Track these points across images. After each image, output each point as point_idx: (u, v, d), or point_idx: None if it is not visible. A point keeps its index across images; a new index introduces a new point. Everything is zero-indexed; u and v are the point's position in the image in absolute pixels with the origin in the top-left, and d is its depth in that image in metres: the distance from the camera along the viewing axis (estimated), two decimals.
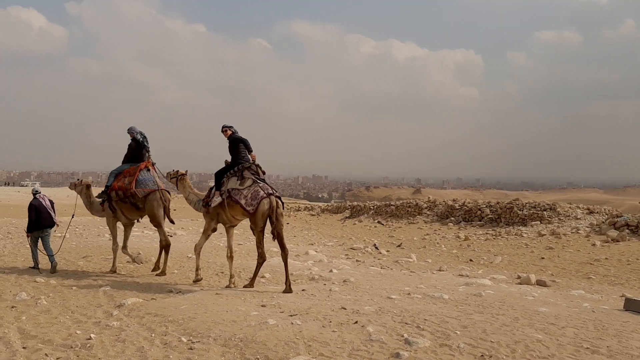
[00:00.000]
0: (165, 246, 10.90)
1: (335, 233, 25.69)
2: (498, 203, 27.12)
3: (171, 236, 17.55)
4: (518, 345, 5.63)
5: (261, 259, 9.55)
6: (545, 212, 23.99)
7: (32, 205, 10.93)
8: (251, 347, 5.66)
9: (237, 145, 9.87)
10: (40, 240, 11.10)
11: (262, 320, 6.57)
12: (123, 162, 11.20)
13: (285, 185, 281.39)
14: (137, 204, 10.79)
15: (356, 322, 6.52)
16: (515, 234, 20.74)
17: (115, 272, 10.97)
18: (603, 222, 20.16)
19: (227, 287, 9.71)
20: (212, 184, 10.26)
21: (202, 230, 10.48)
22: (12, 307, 7.69)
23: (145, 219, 11.52)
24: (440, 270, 13.54)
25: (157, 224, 10.90)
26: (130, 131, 11.16)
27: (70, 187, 12.22)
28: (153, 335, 6.26)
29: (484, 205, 27.12)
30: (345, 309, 7.30)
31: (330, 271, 11.71)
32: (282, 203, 9.68)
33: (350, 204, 40.21)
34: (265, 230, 9.42)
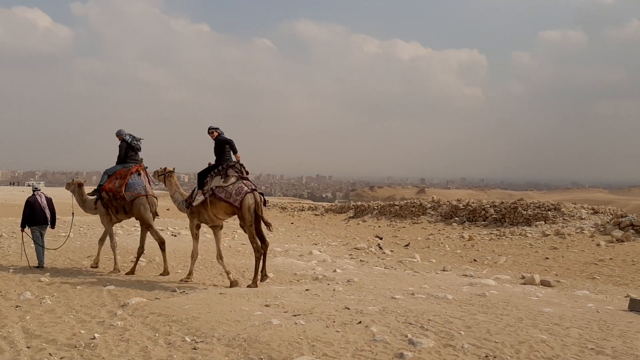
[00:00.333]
0: (160, 244, 11.04)
1: (339, 233, 25.69)
2: (502, 203, 27.07)
3: (175, 236, 17.58)
4: (522, 346, 5.61)
5: (258, 252, 9.65)
6: (549, 212, 23.93)
7: (27, 201, 11.24)
8: (255, 347, 5.65)
9: (223, 146, 10.05)
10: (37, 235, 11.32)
11: (266, 320, 6.56)
12: (117, 163, 11.41)
13: (289, 185, 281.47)
14: (125, 207, 10.99)
15: (360, 322, 6.51)
16: (519, 234, 20.70)
17: (118, 271, 11.05)
18: (608, 222, 20.09)
19: (231, 285, 9.76)
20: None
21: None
22: (17, 306, 7.71)
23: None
24: (444, 270, 13.52)
25: (147, 225, 11.07)
26: (119, 133, 11.43)
27: (66, 187, 12.43)
28: (157, 335, 6.27)
29: (488, 205, 27.08)
30: (349, 309, 7.29)
31: (334, 271, 11.71)
32: (265, 200, 9.96)
33: (354, 203, 40.20)
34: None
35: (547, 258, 15.86)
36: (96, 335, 6.23)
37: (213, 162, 10.16)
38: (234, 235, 21.16)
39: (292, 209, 45.74)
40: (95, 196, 11.43)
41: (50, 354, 5.63)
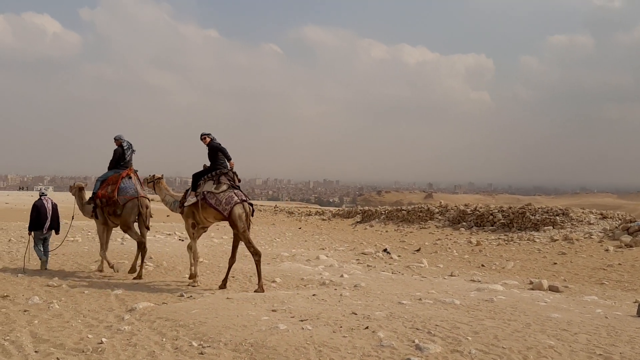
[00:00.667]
0: (139, 244, 11.16)
1: (346, 238, 25.67)
2: (510, 208, 27.00)
3: (182, 240, 17.61)
4: (530, 352, 5.58)
5: (257, 255, 9.84)
6: (557, 217, 23.85)
7: (34, 205, 11.51)
8: (262, 352, 5.65)
9: (216, 152, 10.24)
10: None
11: (273, 325, 6.56)
12: (109, 168, 11.67)
13: (297, 190, 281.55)
14: (117, 211, 11.16)
15: (367, 327, 6.50)
16: (527, 239, 20.63)
17: (102, 271, 11.43)
18: (616, 228, 20.00)
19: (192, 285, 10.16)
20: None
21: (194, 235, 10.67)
22: (25, 310, 7.74)
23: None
24: (451, 276, 13.48)
25: (125, 229, 11.25)
26: (118, 138, 11.68)
27: (69, 191, 12.66)
28: (164, 339, 6.28)
29: (496, 210, 27.01)
30: (356, 314, 7.28)
31: (341, 276, 11.69)
32: (253, 210, 10.21)
33: (361, 208, 40.20)
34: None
35: (555, 263, 15.79)
36: (104, 339, 6.24)
37: (208, 165, 10.36)
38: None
39: (299, 213, 45.74)
40: (92, 204, 11.58)
41: (58, 359, 5.65)
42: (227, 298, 8.64)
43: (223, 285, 10.00)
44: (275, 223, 38.43)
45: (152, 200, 11.77)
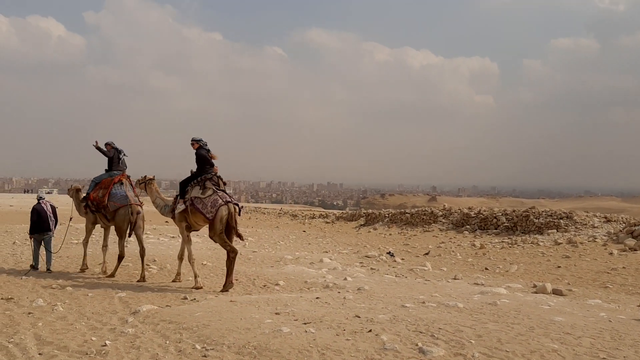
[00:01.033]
0: (119, 256, 11.43)
1: (350, 241, 25.67)
2: (514, 211, 26.97)
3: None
4: (533, 355, 5.58)
5: (233, 252, 10.06)
6: (561, 221, 23.81)
7: (34, 209, 11.81)
8: (265, 354, 5.66)
9: (203, 159, 10.57)
10: (42, 242, 11.89)
11: (276, 328, 6.57)
12: (106, 170, 12.07)
13: (300, 193, 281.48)
14: (107, 216, 11.53)
15: (370, 330, 6.50)
16: (531, 243, 20.58)
17: (84, 270, 11.90)
18: (620, 231, 19.95)
19: (173, 280, 10.86)
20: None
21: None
22: (29, 313, 7.77)
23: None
24: (455, 279, 13.46)
25: (119, 235, 11.45)
26: (110, 143, 12.14)
27: (67, 193, 13.16)
28: (167, 342, 6.29)
29: (500, 214, 26.98)
30: (359, 317, 7.29)
31: (345, 279, 11.70)
32: (240, 209, 10.45)
33: (365, 211, 40.20)
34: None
35: (559, 267, 15.76)
36: (107, 342, 6.26)
37: (195, 170, 10.68)
38: (245, 243, 21.20)
39: (303, 216, 45.76)
40: (84, 203, 12.07)
41: None
42: (231, 301, 8.66)
43: (226, 285, 10.11)
44: (279, 226, 38.45)
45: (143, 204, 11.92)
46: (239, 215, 10.39)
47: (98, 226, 12.33)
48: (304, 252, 18.76)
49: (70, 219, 12.78)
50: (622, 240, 18.37)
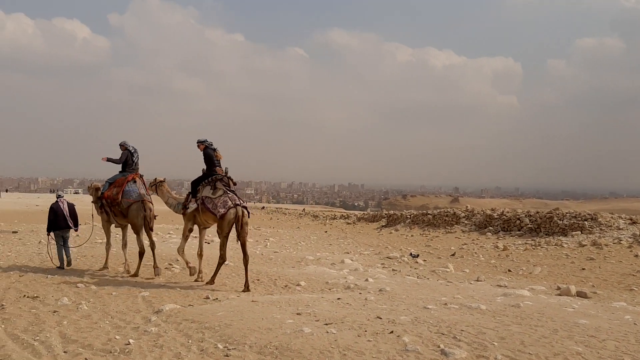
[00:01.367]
0: (139, 253, 11.72)
1: (371, 242, 25.61)
2: (537, 213, 26.66)
3: (208, 243, 17.73)
4: (557, 358, 5.52)
5: (222, 259, 10.47)
6: (586, 222, 23.50)
7: (51, 207, 12.26)
8: (286, 355, 5.67)
9: (210, 158, 10.97)
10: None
11: (298, 329, 6.59)
12: (120, 171, 12.35)
13: (321, 194, 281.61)
14: (122, 212, 11.81)
15: (392, 331, 6.49)
16: (555, 244, 20.36)
17: (107, 269, 12.17)
18: None
19: (195, 280, 11.03)
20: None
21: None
22: (54, 311, 7.87)
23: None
24: (477, 281, 13.37)
25: (135, 231, 11.75)
26: (124, 143, 12.39)
27: (87, 191, 13.54)
28: (190, 341, 6.34)
29: (523, 215, 26.70)
30: (380, 318, 7.27)
31: (366, 280, 11.67)
32: (248, 212, 10.73)
33: (386, 212, 40.07)
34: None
35: (584, 269, 15.56)
36: (131, 341, 6.33)
37: (205, 170, 11.09)
38: (266, 244, 21.27)
39: (324, 217, 45.78)
40: (100, 203, 12.37)
41: (86, 359, 5.74)
42: (252, 301, 8.70)
43: (246, 289, 10.21)
44: (300, 226, 38.51)
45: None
46: (248, 217, 10.65)
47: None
48: (325, 253, 18.76)
49: (92, 216, 13.03)
50: None
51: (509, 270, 15.82)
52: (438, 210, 33.59)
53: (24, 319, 7.42)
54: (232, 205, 10.35)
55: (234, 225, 10.34)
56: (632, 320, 7.60)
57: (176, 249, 11.26)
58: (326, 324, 6.90)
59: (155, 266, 11.54)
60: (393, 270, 15.03)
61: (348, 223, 39.97)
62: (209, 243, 17.89)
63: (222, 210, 10.28)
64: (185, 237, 11.30)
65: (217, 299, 9.09)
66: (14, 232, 22.12)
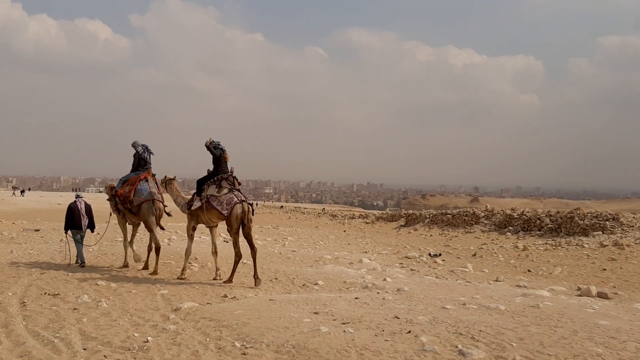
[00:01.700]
0: (156, 248, 11.87)
1: (390, 241, 25.54)
2: (558, 212, 26.42)
3: (227, 242, 17.81)
4: (576, 359, 5.46)
5: (237, 257, 10.75)
6: (607, 222, 23.23)
7: (69, 207, 12.61)
8: (303, 354, 5.68)
9: (219, 159, 11.21)
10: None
11: (315, 328, 6.59)
12: (131, 171, 12.61)
13: (340, 193, 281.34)
14: (132, 210, 12.08)
15: (409, 331, 6.46)
16: (575, 245, 20.15)
17: (127, 266, 12.35)
18: None
19: (214, 278, 11.19)
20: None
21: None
22: (75, 309, 7.96)
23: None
24: (497, 281, 13.27)
25: (148, 228, 11.99)
26: (134, 145, 12.63)
27: (104, 190, 14.08)
28: (207, 339, 6.37)
29: (544, 215, 26.47)
30: (398, 318, 7.25)
31: (384, 280, 11.64)
32: (253, 210, 11.11)
33: (405, 212, 39.97)
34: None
35: (605, 269, 15.37)
36: (149, 338, 6.38)
37: (211, 170, 11.30)
38: (284, 243, 21.31)
39: (342, 216, 45.76)
40: (113, 201, 12.65)
41: (105, 356, 5.80)
42: (270, 300, 8.72)
43: (257, 279, 10.55)
44: (319, 226, 38.53)
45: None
46: (253, 214, 10.96)
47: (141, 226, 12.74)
48: (344, 252, 18.75)
49: (110, 215, 13.23)
50: None
51: (529, 271, 15.68)
52: (457, 210, 33.42)
53: (45, 316, 7.52)
54: (237, 201, 10.65)
55: (241, 221, 10.62)
56: None
57: (186, 256, 11.35)
58: (343, 324, 6.89)
59: (155, 270, 11.69)
60: (411, 269, 14.98)
61: (367, 222, 39.93)
62: (227, 242, 17.99)
63: (228, 207, 10.57)
64: (190, 237, 11.48)
65: (235, 297, 9.13)
66: (36, 230, 22.42)
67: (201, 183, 11.23)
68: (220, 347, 6.04)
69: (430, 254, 19.02)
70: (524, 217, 27.21)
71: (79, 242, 12.47)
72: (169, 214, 12.49)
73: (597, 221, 23.62)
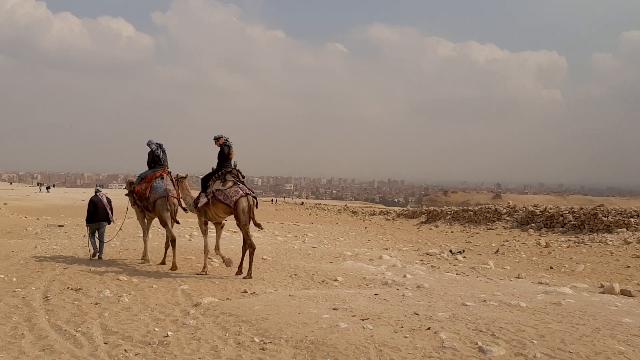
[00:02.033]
0: (171, 240, 12.09)
1: (411, 238, 25.44)
2: (581, 209, 26.08)
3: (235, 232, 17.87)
4: (598, 357, 5.39)
5: (251, 247, 10.83)
6: (632, 219, 22.88)
7: (91, 200, 12.95)
8: (322, 349, 5.68)
9: (220, 154, 11.40)
10: (97, 231, 12.96)
11: (334, 323, 6.59)
12: (148, 169, 12.87)
13: (361, 189, 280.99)
14: (148, 207, 12.37)
15: (429, 328, 6.43)
16: (599, 242, 19.88)
17: (148, 261, 12.56)
18: None
19: (199, 273, 11.18)
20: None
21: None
22: (96, 303, 8.05)
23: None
24: (518, 278, 13.14)
25: (163, 223, 12.24)
26: (148, 144, 12.88)
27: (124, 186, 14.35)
28: (227, 334, 6.41)
29: (567, 211, 26.16)
30: (418, 314, 7.22)
31: (404, 276, 11.60)
32: (257, 203, 11.24)
33: (426, 208, 39.76)
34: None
35: (629, 267, 15.15)
36: (169, 333, 6.43)
37: (215, 167, 11.46)
38: (305, 239, 21.33)
39: (363, 213, 45.70)
40: (131, 196, 13.00)
41: (125, 350, 5.86)
42: (289, 295, 8.73)
43: (239, 271, 11.02)
44: (339, 222, 38.51)
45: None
46: (256, 207, 11.12)
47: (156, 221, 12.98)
48: (364, 249, 18.71)
49: (127, 209, 13.51)
50: None
51: (551, 268, 15.51)
52: (479, 207, 33.17)
53: (67, 310, 7.62)
54: (243, 194, 10.80)
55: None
56: None
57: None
58: (362, 320, 6.88)
59: (173, 264, 11.77)
60: (432, 266, 14.90)
61: (387, 219, 39.81)
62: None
63: (234, 198, 10.68)
64: (204, 233, 11.61)
65: (254, 292, 9.16)
66: (60, 226, 22.74)
67: (206, 180, 11.42)
68: (240, 342, 6.07)
69: (451, 251, 18.90)
70: (547, 213, 26.92)
71: (92, 236, 12.81)
72: (185, 210, 12.61)
73: (621, 218, 23.28)
